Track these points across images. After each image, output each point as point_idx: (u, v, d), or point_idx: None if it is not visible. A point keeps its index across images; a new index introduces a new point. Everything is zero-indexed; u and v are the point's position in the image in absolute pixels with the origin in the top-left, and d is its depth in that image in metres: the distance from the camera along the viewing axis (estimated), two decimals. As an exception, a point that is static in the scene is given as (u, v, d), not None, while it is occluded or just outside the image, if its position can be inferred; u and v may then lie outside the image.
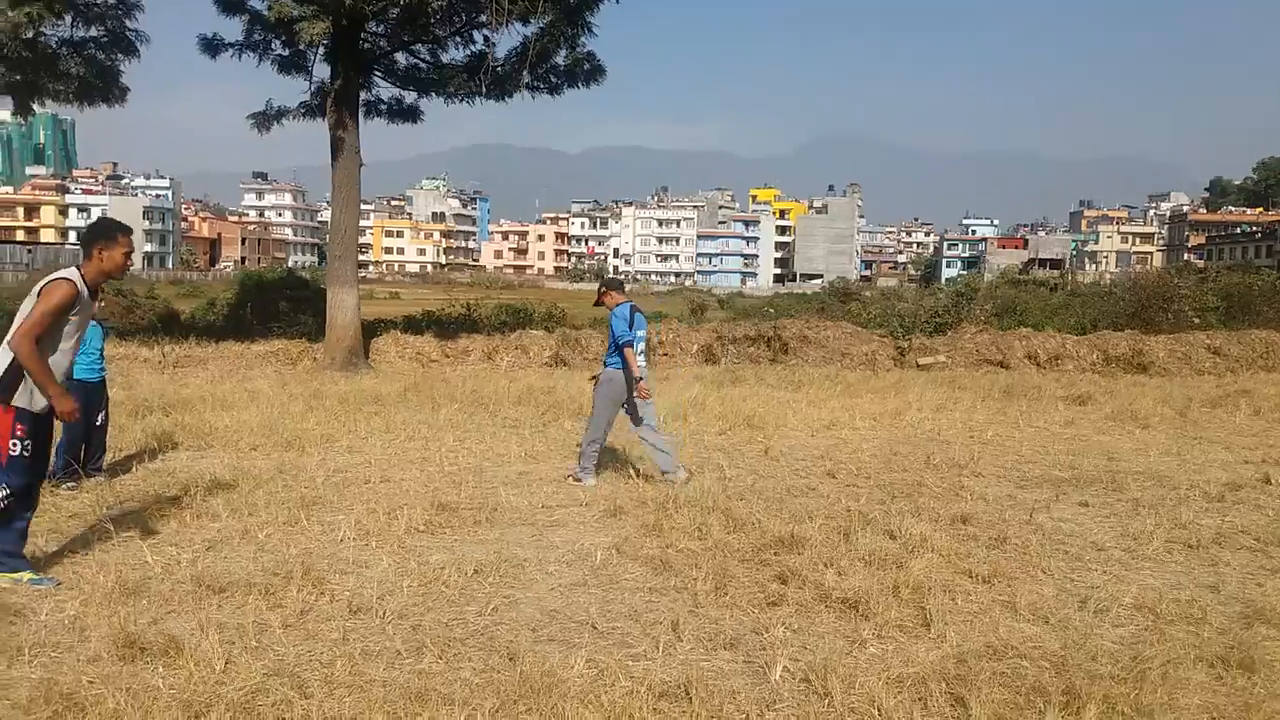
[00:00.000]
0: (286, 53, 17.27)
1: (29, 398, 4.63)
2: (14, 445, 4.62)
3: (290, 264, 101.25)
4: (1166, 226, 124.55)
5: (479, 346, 16.80)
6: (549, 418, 10.44)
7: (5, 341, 4.60)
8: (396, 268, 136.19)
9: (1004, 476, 7.95)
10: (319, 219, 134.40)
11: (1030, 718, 3.51)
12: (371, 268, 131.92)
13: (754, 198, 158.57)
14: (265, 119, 17.39)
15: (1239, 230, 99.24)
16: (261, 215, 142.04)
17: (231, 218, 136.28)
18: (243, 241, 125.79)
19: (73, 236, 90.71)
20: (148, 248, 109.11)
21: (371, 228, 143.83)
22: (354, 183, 16.30)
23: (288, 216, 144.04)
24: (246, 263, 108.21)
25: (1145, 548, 5.81)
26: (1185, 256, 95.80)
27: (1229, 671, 3.93)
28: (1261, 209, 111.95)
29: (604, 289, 7.68)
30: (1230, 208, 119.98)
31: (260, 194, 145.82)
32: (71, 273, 4.75)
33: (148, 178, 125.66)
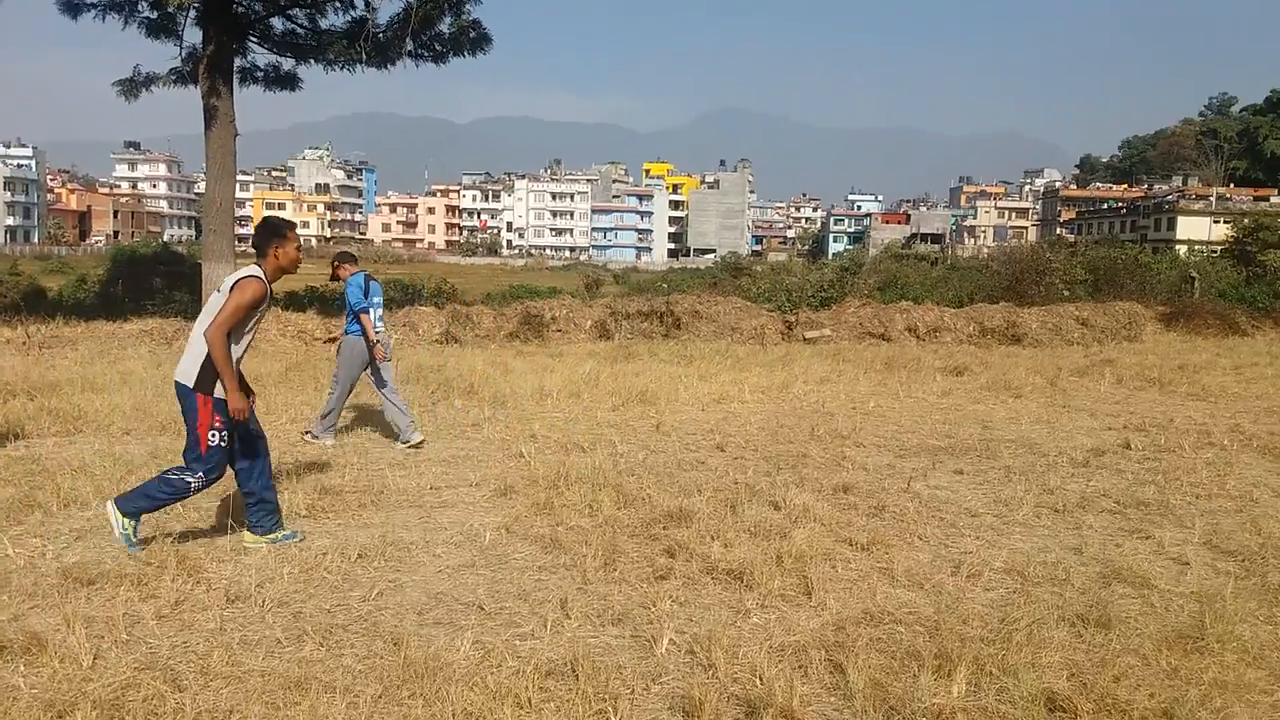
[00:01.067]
0: (155, 15, 16.44)
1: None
2: (212, 435, 4.90)
3: (166, 238, 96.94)
4: (1040, 202, 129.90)
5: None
6: (438, 396, 10.29)
7: (201, 334, 4.85)
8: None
9: (884, 446, 8.21)
10: (195, 191, 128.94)
11: (905, 681, 3.63)
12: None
13: (648, 172, 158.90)
14: (133, 86, 16.54)
15: (1106, 206, 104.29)
16: (135, 187, 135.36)
17: (102, 189, 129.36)
18: (115, 214, 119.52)
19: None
20: (9, 221, 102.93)
21: (251, 200, 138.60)
22: (229, 153, 15.67)
23: (162, 188, 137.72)
24: (119, 237, 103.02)
25: (1015, 513, 6.08)
26: (1058, 231, 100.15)
27: (1088, 629, 4.15)
28: (1126, 185, 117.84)
29: (337, 262, 8.19)
30: (1098, 184, 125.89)
31: (133, 165, 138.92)
32: (258, 271, 4.99)
33: (8, 146, 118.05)
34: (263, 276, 4.97)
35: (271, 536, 5.19)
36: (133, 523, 4.95)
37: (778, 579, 4.66)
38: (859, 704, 3.46)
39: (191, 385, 4.86)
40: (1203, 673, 3.73)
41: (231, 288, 4.88)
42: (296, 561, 4.85)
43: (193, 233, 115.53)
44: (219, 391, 4.86)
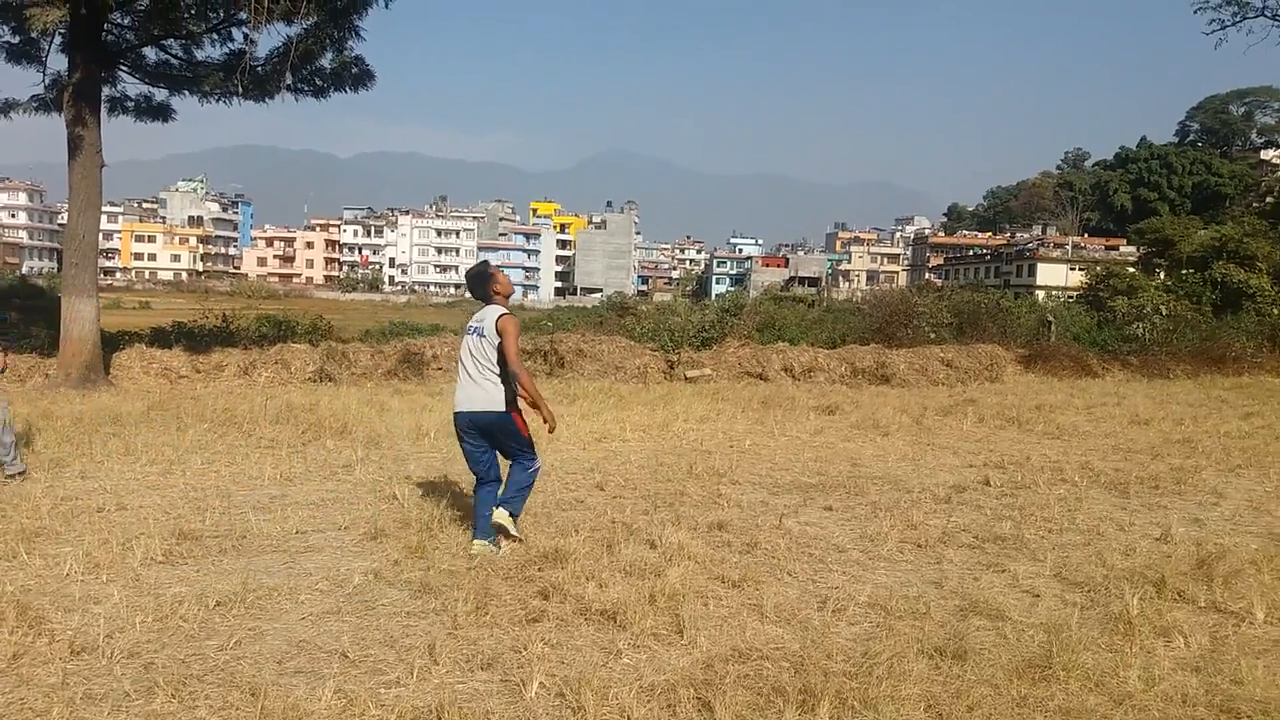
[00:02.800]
0: (16, 40, 15.70)
1: None
2: (525, 431, 5.96)
3: (25, 270, 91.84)
4: (911, 248, 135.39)
5: (235, 361, 15.84)
6: (309, 437, 10.01)
7: (494, 371, 5.77)
8: (148, 275, 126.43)
9: (759, 484, 8.37)
10: (59, 221, 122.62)
11: (770, 718, 3.70)
12: (120, 275, 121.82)
13: (535, 211, 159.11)
14: (-11, 110, 15.71)
15: (971, 252, 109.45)
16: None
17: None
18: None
19: None
20: None
21: (120, 232, 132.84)
22: (94, 184, 14.99)
23: (23, 218, 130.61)
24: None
25: (881, 548, 6.28)
26: (927, 275, 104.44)
27: (945, 661, 4.30)
28: (990, 233, 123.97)
29: None
30: (965, 232, 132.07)
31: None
32: (505, 308, 5.90)
33: None
34: (509, 310, 5.90)
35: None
36: (505, 528, 5.89)
37: (650, 618, 4.69)
38: (724, 741, 3.49)
39: (505, 410, 5.80)
40: (1049, 700, 3.91)
41: (499, 329, 5.73)
42: (150, 610, 4.63)
43: (55, 265, 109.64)
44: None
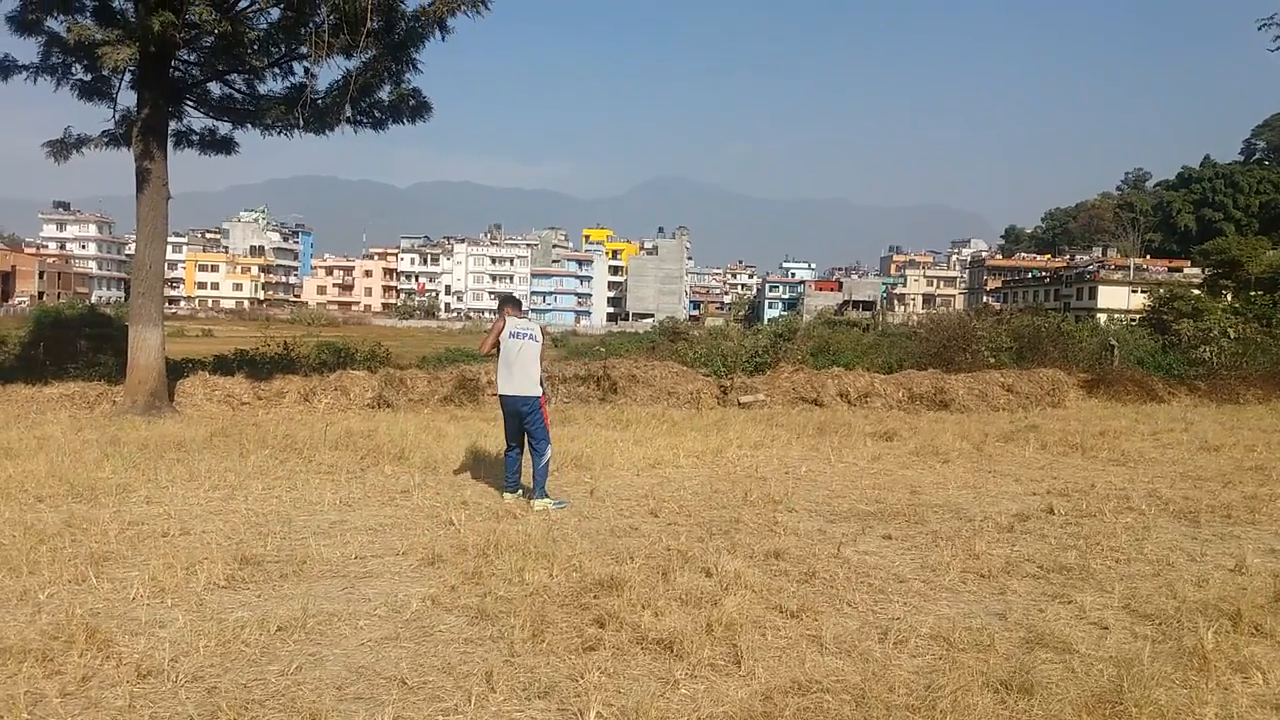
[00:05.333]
0: (88, 78, 16.22)
1: None
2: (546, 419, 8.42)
3: (94, 299, 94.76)
4: (967, 271, 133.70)
5: (295, 388, 16.11)
6: (368, 462, 10.12)
7: (538, 363, 8.31)
8: (211, 304, 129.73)
9: (815, 511, 8.27)
10: (126, 252, 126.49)
11: (831, 750, 3.63)
12: (184, 304, 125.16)
13: (587, 238, 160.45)
14: (63, 147, 16.21)
15: (1030, 275, 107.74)
16: (63, 247, 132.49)
17: (29, 249, 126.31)
18: (40, 275, 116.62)
19: None
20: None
21: (184, 261, 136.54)
22: (160, 216, 15.41)
23: (92, 249, 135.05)
24: (44, 298, 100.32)
25: (942, 578, 6.15)
26: (984, 299, 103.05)
27: (1011, 695, 4.19)
28: (1049, 255, 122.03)
29: None
30: (1023, 254, 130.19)
31: (62, 225, 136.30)
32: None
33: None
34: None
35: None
36: (549, 499, 8.09)
37: (707, 648, 4.64)
38: (785, 775, 3.43)
39: (538, 394, 8.22)
40: (1121, 737, 3.79)
41: (542, 335, 8.45)
42: (213, 635, 4.70)
43: (122, 294, 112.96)
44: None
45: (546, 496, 8.13)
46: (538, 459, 8.22)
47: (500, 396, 8.43)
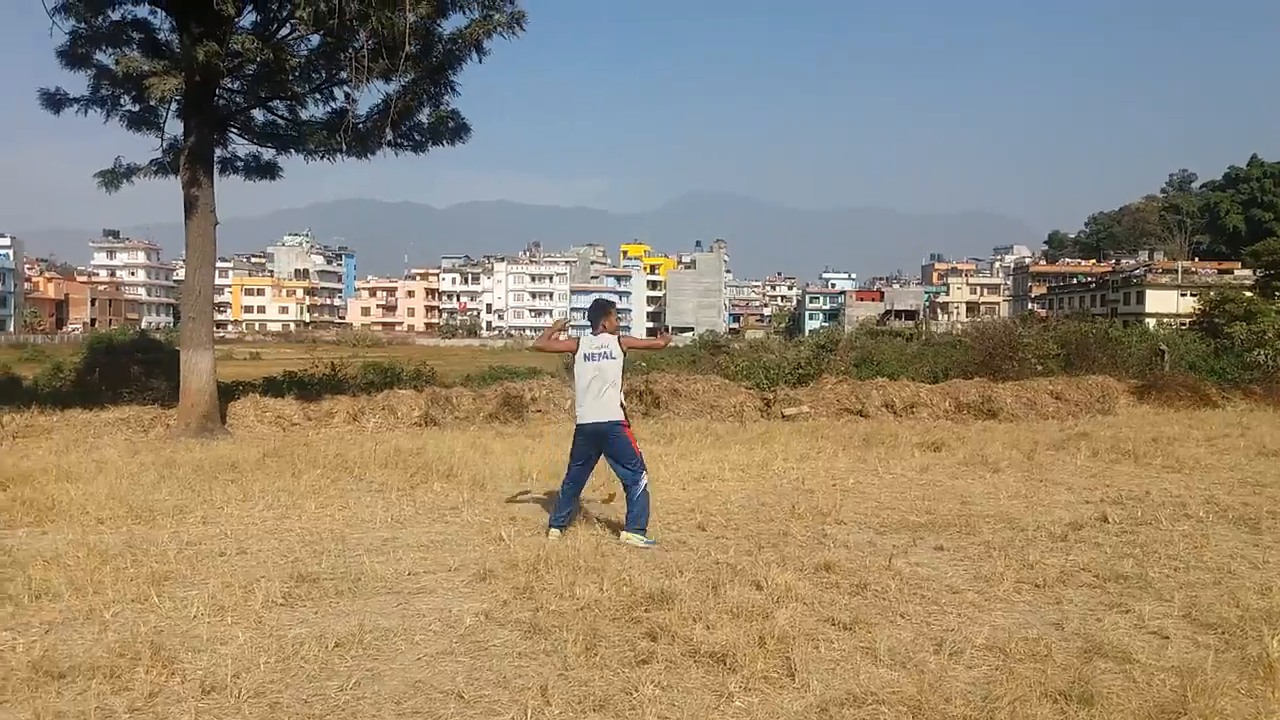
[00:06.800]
0: (137, 109, 16.64)
1: None
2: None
3: (144, 325, 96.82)
4: (1011, 278, 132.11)
5: (344, 408, 16.34)
6: (417, 480, 10.23)
7: (617, 388, 7.45)
8: (258, 327, 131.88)
9: (864, 523, 8.21)
10: (174, 278, 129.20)
11: (890, 762, 3.61)
12: (231, 327, 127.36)
13: (625, 253, 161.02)
14: (114, 177, 16.65)
15: (1075, 280, 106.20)
16: (113, 275, 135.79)
17: (80, 277, 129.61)
18: (92, 302, 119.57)
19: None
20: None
21: (230, 286, 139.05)
22: (209, 241, 15.75)
23: (141, 276, 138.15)
24: (97, 324, 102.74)
25: (996, 589, 6.08)
26: (1029, 306, 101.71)
27: (1071, 705, 4.13)
28: (1094, 260, 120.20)
29: None
30: (1067, 259, 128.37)
31: (112, 253, 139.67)
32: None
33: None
34: None
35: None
36: (640, 535, 7.27)
37: (760, 661, 4.63)
38: (844, 787, 3.42)
39: (619, 418, 7.33)
40: (1187, 747, 3.72)
41: (623, 347, 7.50)
42: (273, 651, 4.78)
43: (171, 319, 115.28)
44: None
45: (640, 532, 7.30)
46: (632, 489, 7.32)
47: (577, 426, 7.54)
